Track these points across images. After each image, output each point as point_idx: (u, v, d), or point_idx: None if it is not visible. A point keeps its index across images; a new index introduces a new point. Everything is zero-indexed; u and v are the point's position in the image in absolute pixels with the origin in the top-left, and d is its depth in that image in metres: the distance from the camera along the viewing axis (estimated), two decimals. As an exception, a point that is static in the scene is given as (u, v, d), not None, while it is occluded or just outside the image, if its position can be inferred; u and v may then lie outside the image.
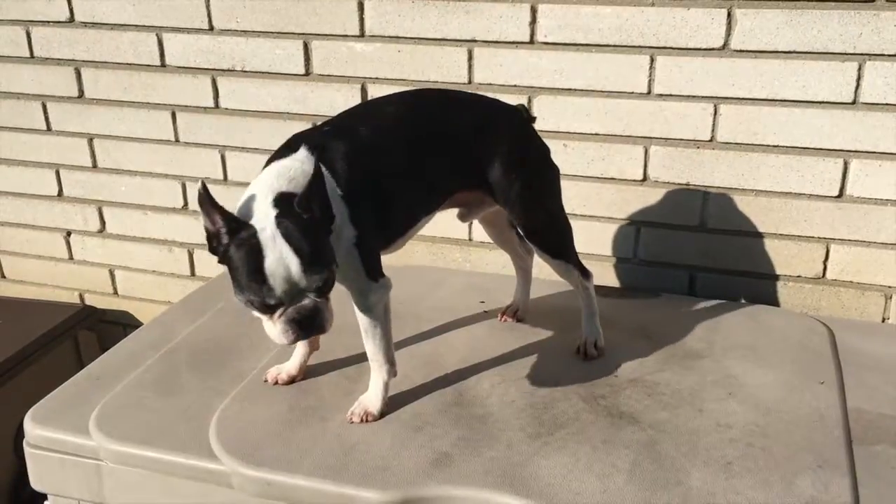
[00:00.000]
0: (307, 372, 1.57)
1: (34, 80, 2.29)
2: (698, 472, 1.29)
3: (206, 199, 1.23)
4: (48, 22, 2.21)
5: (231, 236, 1.22)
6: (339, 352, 1.62)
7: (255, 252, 1.19)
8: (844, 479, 1.26)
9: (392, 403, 1.46)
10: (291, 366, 1.55)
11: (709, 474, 1.28)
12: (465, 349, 1.63)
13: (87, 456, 1.45)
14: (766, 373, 1.54)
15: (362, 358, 1.50)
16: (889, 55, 1.65)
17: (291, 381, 1.54)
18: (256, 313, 1.26)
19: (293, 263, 1.20)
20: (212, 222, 1.24)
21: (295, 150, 1.33)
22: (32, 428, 1.48)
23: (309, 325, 1.24)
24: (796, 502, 1.21)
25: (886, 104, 1.69)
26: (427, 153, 1.43)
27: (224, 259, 1.24)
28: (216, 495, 1.39)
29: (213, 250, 1.25)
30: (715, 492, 1.25)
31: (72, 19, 2.18)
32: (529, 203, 1.49)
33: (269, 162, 1.36)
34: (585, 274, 1.60)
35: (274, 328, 1.25)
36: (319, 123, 1.49)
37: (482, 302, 1.84)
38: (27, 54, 2.26)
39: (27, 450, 1.50)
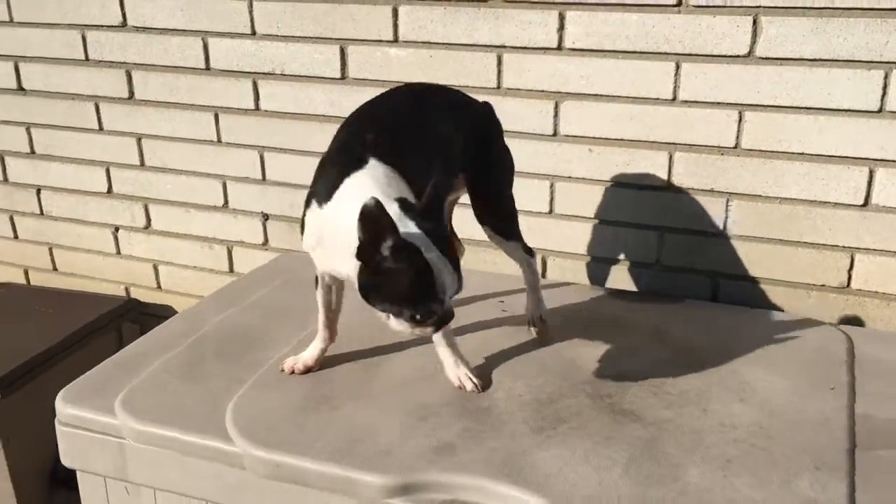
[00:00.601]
0: (322, 363, 1.62)
1: (88, 81, 2.41)
2: (696, 469, 1.30)
3: (379, 213, 1.21)
4: (102, 26, 2.32)
5: (395, 251, 1.24)
6: (354, 345, 1.67)
7: (424, 268, 1.24)
8: (842, 481, 1.25)
9: (401, 394, 1.50)
10: (309, 356, 1.60)
11: (707, 471, 1.29)
12: (477, 344, 1.66)
13: (112, 434, 1.52)
14: (778, 378, 1.54)
15: (374, 352, 1.56)
16: (916, 63, 1.64)
17: (307, 370, 1.59)
18: (401, 320, 1.29)
19: (450, 274, 1.27)
20: (377, 236, 1.23)
21: (365, 161, 1.36)
22: (63, 406, 1.56)
23: (446, 319, 1.33)
24: (793, 502, 1.21)
25: (914, 112, 1.68)
26: (441, 141, 1.50)
27: (380, 270, 1.25)
28: (229, 476, 1.44)
29: (367, 260, 1.26)
30: (712, 488, 1.25)
31: (124, 24, 2.29)
32: (500, 190, 1.60)
33: (338, 175, 1.37)
34: (530, 252, 1.67)
35: (410, 328, 1.30)
36: (347, 131, 1.51)
37: (501, 301, 1.86)
38: (82, 57, 2.38)
39: (58, 427, 1.58)
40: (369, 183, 1.33)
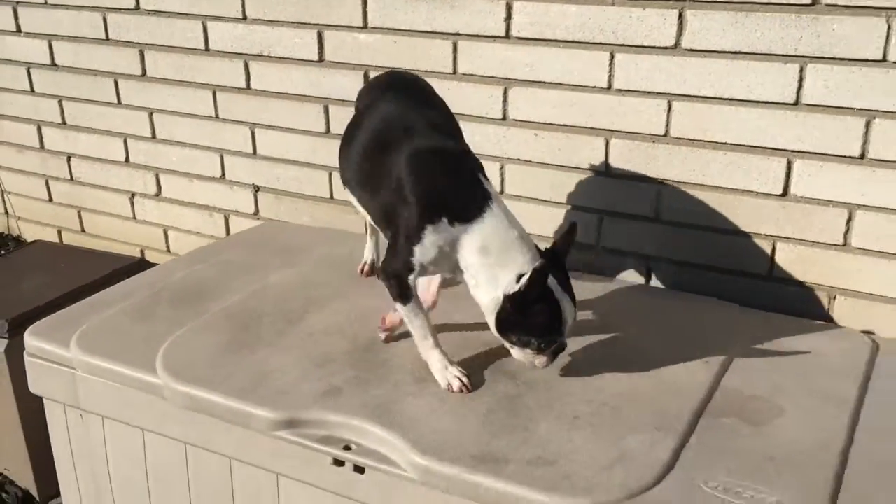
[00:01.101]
0: (249, 316, 1.79)
1: (108, 59, 2.65)
2: (545, 423, 1.42)
3: (545, 279, 1.42)
4: (120, 9, 2.56)
5: (542, 300, 1.44)
6: (289, 303, 1.84)
7: (556, 307, 1.45)
8: (674, 441, 1.35)
9: (310, 344, 1.67)
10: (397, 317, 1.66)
11: (554, 425, 1.41)
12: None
13: (66, 365, 1.74)
14: (669, 352, 1.62)
15: (302, 309, 1.72)
16: (828, 58, 1.69)
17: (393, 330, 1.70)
18: (526, 350, 1.48)
19: (572, 313, 1.47)
20: (534, 295, 1.42)
21: (490, 197, 1.51)
22: (30, 339, 1.79)
23: (560, 351, 1.51)
24: (613, 452, 1.32)
25: (827, 106, 1.73)
26: None
27: (524, 311, 1.44)
28: (158, 405, 1.64)
29: (517, 305, 1.44)
30: (551, 440, 1.37)
31: (137, 7, 2.52)
32: None
33: (476, 206, 1.49)
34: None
35: (534, 358, 1.49)
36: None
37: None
38: (104, 37, 2.63)
39: (26, 358, 1.81)
40: (507, 226, 1.49)
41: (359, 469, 1.43)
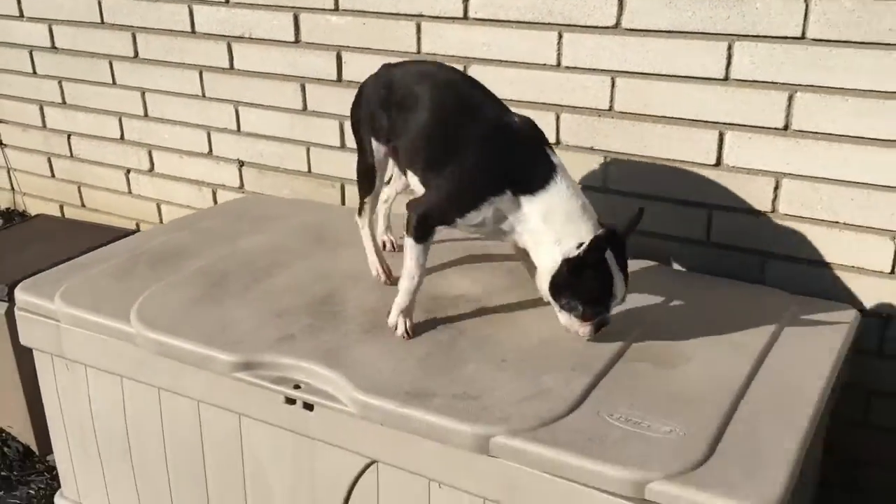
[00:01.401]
0: (221, 274, 1.95)
1: (104, 41, 2.81)
2: (475, 365, 1.56)
3: (606, 245, 1.53)
4: (113, -6, 2.72)
5: (595, 265, 1.54)
6: (258, 262, 2.00)
7: (608, 278, 1.55)
8: (586, 379, 1.49)
9: (273, 298, 1.82)
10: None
11: (482, 366, 1.56)
12: (359, 266, 1.95)
13: (51, 318, 1.90)
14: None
15: (269, 267, 1.87)
16: (753, 36, 1.82)
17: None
18: (572, 314, 1.58)
19: (622, 288, 1.57)
20: (593, 260, 1.53)
21: (555, 170, 1.60)
22: (20, 294, 1.95)
23: (604, 324, 1.60)
24: (531, 388, 1.47)
25: (753, 81, 1.85)
26: None
27: (579, 275, 1.54)
28: (133, 353, 1.79)
29: (573, 269, 1.54)
30: (476, 378, 1.52)
31: (130, -8, 2.69)
32: None
33: (541, 176, 1.59)
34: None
35: (580, 326, 1.59)
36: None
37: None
38: (99, 20, 2.79)
39: (16, 312, 1.97)
40: (572, 195, 1.58)
41: (308, 406, 1.58)
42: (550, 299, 1.61)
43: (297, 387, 1.59)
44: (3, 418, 2.78)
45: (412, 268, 1.66)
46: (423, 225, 1.64)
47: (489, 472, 1.42)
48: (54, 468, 2.24)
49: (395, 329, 1.67)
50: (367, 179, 1.90)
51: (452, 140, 1.66)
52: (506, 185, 1.58)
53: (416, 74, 1.81)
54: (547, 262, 1.58)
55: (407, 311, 1.67)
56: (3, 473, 2.61)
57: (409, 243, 1.65)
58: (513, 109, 1.73)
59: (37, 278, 1.99)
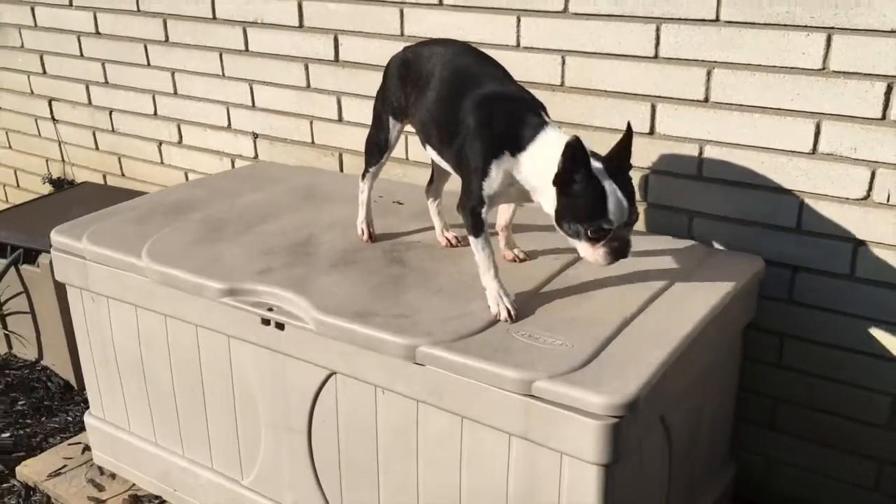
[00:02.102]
0: (217, 227, 2.29)
1: (139, 27, 3.18)
2: (414, 293, 1.87)
3: (581, 148, 1.57)
4: (147, -15, 3.09)
5: (582, 179, 1.59)
6: (252, 212, 2.33)
7: (599, 190, 1.59)
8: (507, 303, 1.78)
9: (264, 240, 2.16)
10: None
11: (420, 294, 1.86)
12: (347, 220, 2.25)
13: (79, 256, 2.26)
14: (539, 253, 2.04)
15: (264, 215, 2.20)
16: (676, 18, 2.08)
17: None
18: (581, 241, 1.64)
19: (624, 202, 1.61)
20: (575, 165, 1.58)
21: (546, 122, 1.72)
22: (54, 236, 2.32)
23: (622, 250, 1.64)
24: (457, 311, 1.77)
25: (678, 59, 2.11)
26: None
27: (570, 192, 1.61)
28: (143, 284, 2.14)
29: (561, 185, 1.61)
30: (414, 303, 1.83)
31: (161, -17, 3.05)
32: None
33: (531, 131, 1.70)
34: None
35: (595, 252, 1.64)
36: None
37: (400, 203, 2.43)
38: (136, 9, 3.16)
39: (52, 252, 2.34)
40: (558, 139, 1.65)
41: (279, 326, 1.91)
42: (562, 232, 1.67)
43: (270, 309, 1.91)
44: (48, 357, 3.19)
45: (483, 259, 1.79)
46: (472, 218, 1.77)
47: (418, 378, 1.73)
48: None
49: (500, 315, 1.75)
50: (377, 151, 2.10)
51: (452, 116, 1.80)
52: (503, 147, 1.71)
53: (429, 54, 1.94)
54: (548, 205, 1.67)
55: (501, 295, 1.77)
56: (45, 403, 3.01)
57: (471, 240, 1.81)
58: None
59: (69, 223, 2.36)
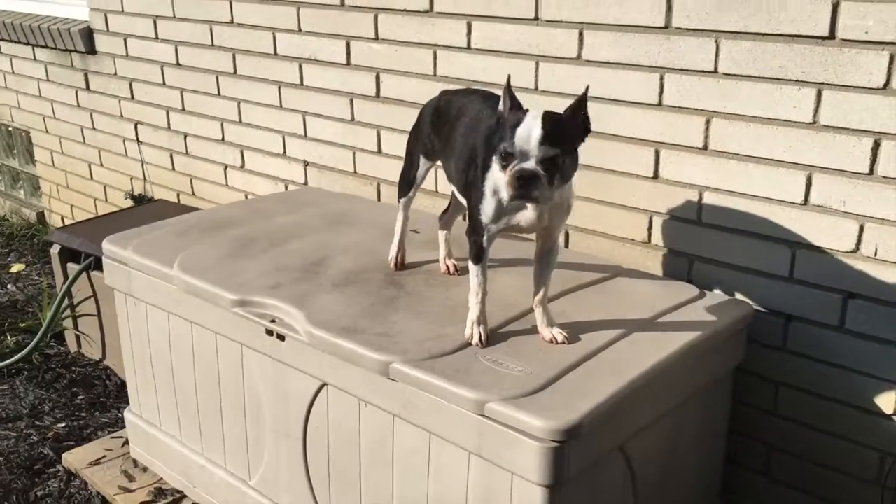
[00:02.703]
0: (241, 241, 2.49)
1: (213, 60, 3.47)
2: (402, 314, 2.00)
3: (509, 88, 1.74)
4: (221, 22, 3.36)
5: (511, 111, 1.73)
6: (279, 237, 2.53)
7: (518, 121, 1.68)
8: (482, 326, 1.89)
9: (280, 258, 2.34)
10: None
11: (407, 315, 2.00)
12: (362, 245, 2.43)
13: (124, 263, 2.50)
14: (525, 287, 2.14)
15: (285, 236, 2.39)
16: (678, 69, 2.16)
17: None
18: (499, 170, 1.70)
19: (535, 133, 1.65)
20: (503, 103, 1.74)
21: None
22: (105, 245, 2.57)
23: (525, 184, 1.65)
24: (435, 334, 1.89)
25: (680, 107, 2.19)
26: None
27: (499, 122, 1.73)
28: (173, 292, 2.35)
29: (497, 120, 1.75)
30: (398, 323, 1.96)
31: (232, 21, 3.32)
32: None
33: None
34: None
35: (503, 181, 1.69)
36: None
37: (416, 231, 2.57)
38: (209, 43, 3.45)
39: (104, 259, 2.59)
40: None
41: (280, 337, 2.07)
42: (491, 175, 1.75)
43: (272, 321, 2.08)
44: (110, 357, 3.47)
45: (475, 286, 1.87)
46: (474, 247, 1.86)
47: (392, 393, 1.85)
48: (130, 390, 2.83)
49: (472, 339, 1.86)
50: (406, 186, 2.25)
51: (465, 154, 1.93)
52: (491, 156, 1.78)
53: (459, 103, 2.07)
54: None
55: (478, 321, 1.87)
56: (101, 399, 3.28)
57: (470, 266, 1.89)
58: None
59: (119, 234, 2.61)
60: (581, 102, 1.74)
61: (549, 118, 1.69)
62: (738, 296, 2.19)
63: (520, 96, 2.17)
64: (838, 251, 2.02)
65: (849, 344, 2.06)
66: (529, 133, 1.65)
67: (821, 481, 2.20)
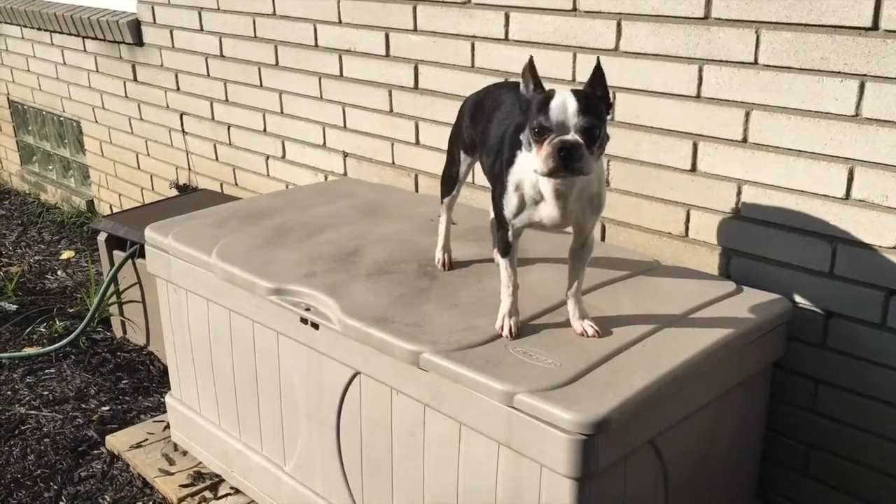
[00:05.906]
0: (271, 236, 2.51)
1: (255, 51, 3.51)
2: (433, 304, 2.01)
3: (532, 69, 1.71)
4: (263, 14, 3.40)
5: (535, 91, 1.69)
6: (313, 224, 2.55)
7: (547, 98, 1.63)
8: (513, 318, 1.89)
9: (315, 248, 2.36)
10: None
11: (438, 306, 2.00)
12: (397, 235, 2.45)
13: (164, 251, 2.55)
14: (559, 279, 2.13)
15: (319, 226, 2.41)
16: (718, 60, 2.13)
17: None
18: (532, 147, 1.64)
19: (571, 104, 1.61)
20: (525, 84, 1.71)
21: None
22: (148, 233, 2.62)
23: (568, 156, 1.59)
24: (465, 325, 1.90)
25: (719, 99, 2.16)
26: None
27: (527, 104, 1.69)
28: (209, 279, 2.39)
29: (521, 103, 1.72)
30: (429, 314, 1.97)
31: (274, 13, 3.35)
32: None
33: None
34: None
35: (538, 157, 1.62)
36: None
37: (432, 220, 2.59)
38: (252, 35, 3.49)
39: (146, 247, 2.65)
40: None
41: (314, 325, 2.10)
42: (527, 154, 1.68)
43: (307, 309, 2.11)
44: (153, 343, 3.54)
45: (504, 279, 1.88)
46: (501, 240, 1.87)
47: (423, 382, 1.86)
48: (171, 376, 2.89)
49: (502, 330, 1.87)
50: (448, 185, 2.22)
51: (494, 145, 1.92)
52: (515, 150, 1.78)
53: (496, 94, 2.06)
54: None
55: (510, 314, 1.88)
56: (145, 384, 3.35)
57: (497, 260, 1.93)
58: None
59: (160, 223, 2.65)
60: (597, 76, 1.69)
61: (579, 92, 1.66)
62: (777, 292, 2.15)
63: (557, 87, 2.18)
64: (881, 247, 1.98)
65: (890, 341, 2.02)
66: (565, 105, 1.61)
67: (861, 481, 2.15)
